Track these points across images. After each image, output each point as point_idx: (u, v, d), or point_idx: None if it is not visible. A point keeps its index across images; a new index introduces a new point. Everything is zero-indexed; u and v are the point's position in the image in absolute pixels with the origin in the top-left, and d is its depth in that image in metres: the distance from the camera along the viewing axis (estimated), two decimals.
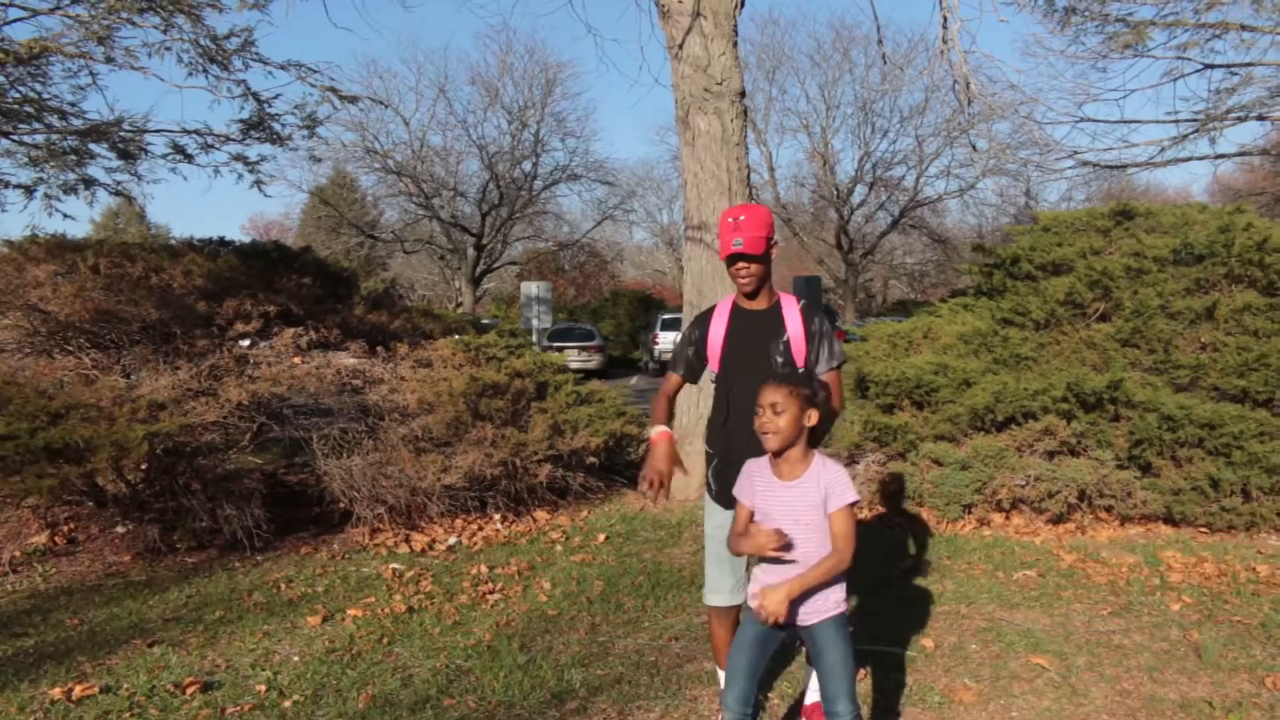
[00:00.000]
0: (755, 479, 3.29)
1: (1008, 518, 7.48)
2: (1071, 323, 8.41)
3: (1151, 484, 7.13)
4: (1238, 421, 6.90)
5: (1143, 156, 18.23)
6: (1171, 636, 5.09)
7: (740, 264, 3.74)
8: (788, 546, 3.12)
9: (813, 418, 3.18)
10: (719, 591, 3.90)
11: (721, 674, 3.93)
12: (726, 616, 3.93)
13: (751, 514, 3.28)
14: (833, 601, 3.18)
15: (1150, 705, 4.22)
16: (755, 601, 3.16)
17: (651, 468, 3.72)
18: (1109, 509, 7.25)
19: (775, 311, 3.88)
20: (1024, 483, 7.28)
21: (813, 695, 3.96)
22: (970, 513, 7.49)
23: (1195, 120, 17.42)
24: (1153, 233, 8.75)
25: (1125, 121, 21.72)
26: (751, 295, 3.85)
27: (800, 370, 3.70)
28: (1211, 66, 16.84)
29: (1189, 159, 18.21)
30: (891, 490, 7.80)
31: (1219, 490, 6.96)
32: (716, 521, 3.88)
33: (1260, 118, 17.34)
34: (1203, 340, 7.77)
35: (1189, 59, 16.79)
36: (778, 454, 3.21)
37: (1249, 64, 16.77)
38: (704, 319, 3.97)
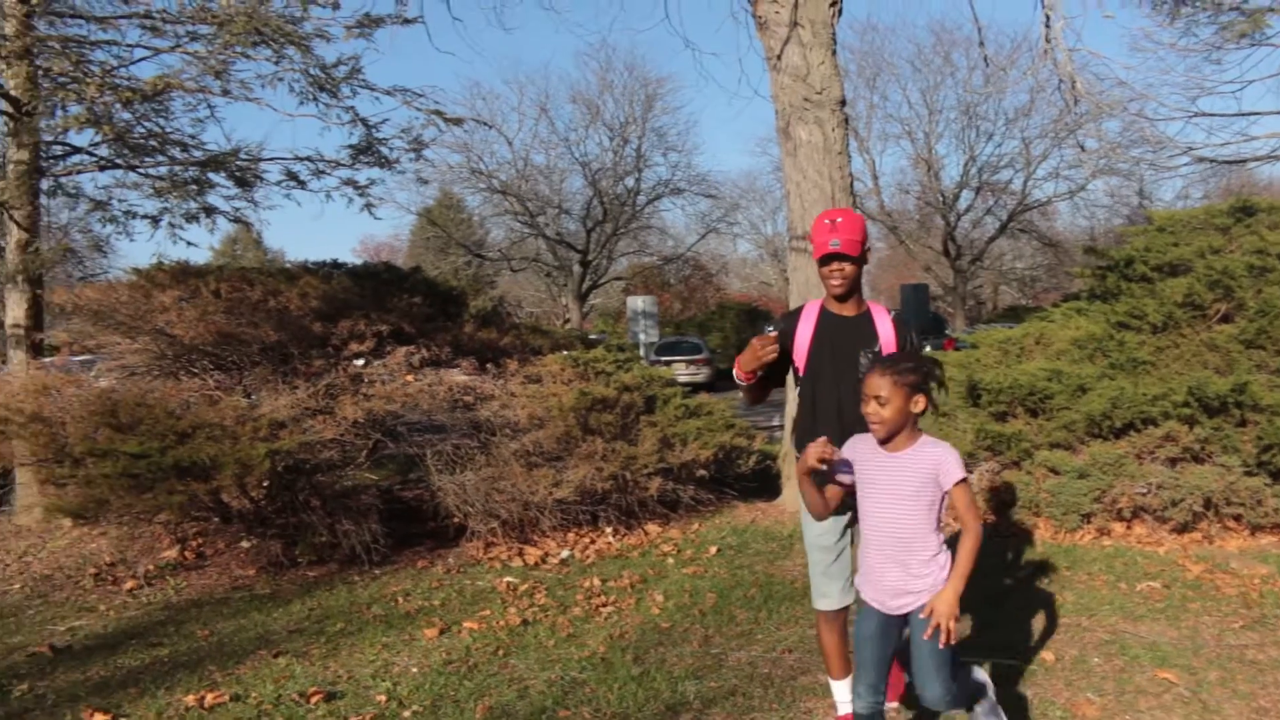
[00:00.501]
0: (859, 448, 3.31)
1: (1129, 527, 7.26)
2: (1191, 325, 8.15)
3: None
4: None
5: (1263, 150, 17.58)
6: None
7: (835, 264, 3.74)
8: (841, 466, 3.23)
9: (920, 404, 3.15)
10: (827, 595, 3.90)
11: (834, 684, 3.94)
12: (836, 620, 3.92)
13: (840, 492, 3.34)
14: (934, 584, 3.16)
15: None
16: (870, 591, 3.21)
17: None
18: (1238, 517, 6.99)
19: (866, 318, 3.87)
20: (1145, 491, 7.07)
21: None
22: (1089, 522, 7.30)
23: None
24: (1276, 229, 8.43)
25: (1243, 114, 21.02)
26: (842, 299, 3.84)
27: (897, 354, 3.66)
28: None
29: None
30: (1006, 500, 7.64)
31: None
32: (818, 529, 3.86)
33: None
34: None
35: None
36: (884, 441, 3.21)
37: None
38: (791, 317, 3.97)
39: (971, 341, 10.00)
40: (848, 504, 3.64)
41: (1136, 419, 7.24)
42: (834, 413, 3.79)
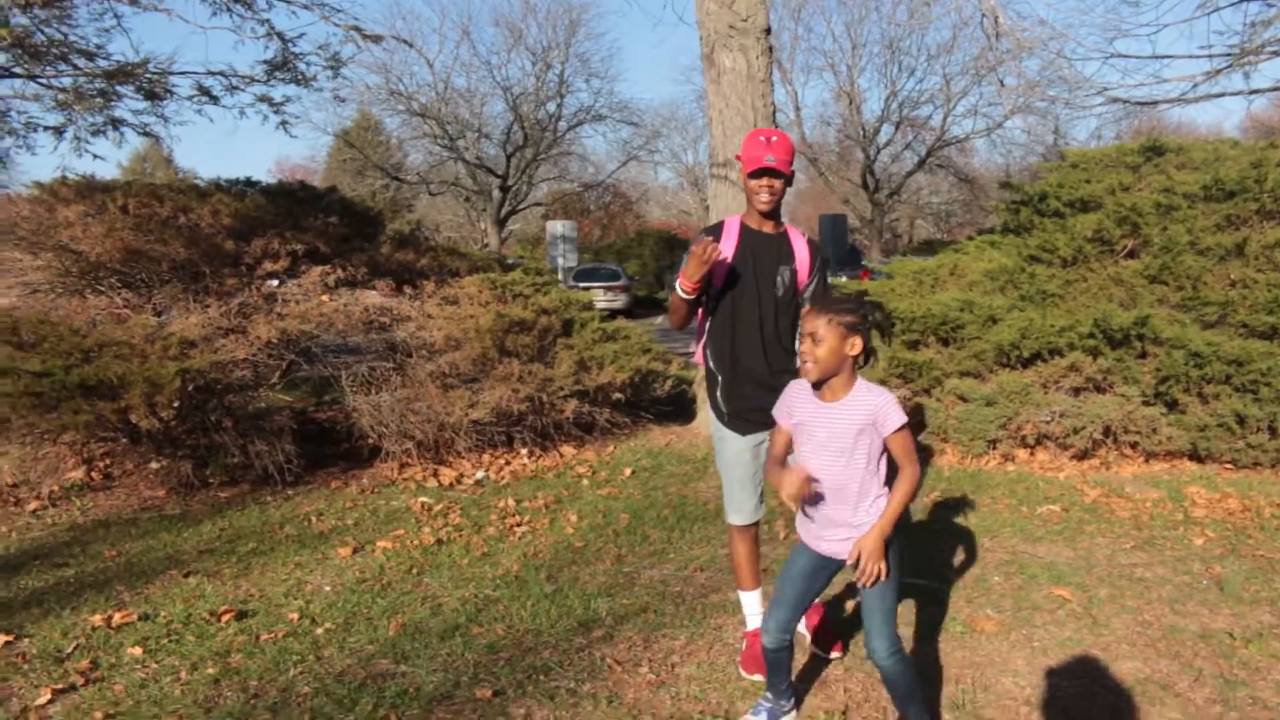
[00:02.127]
0: (795, 401, 3.22)
1: (1032, 453, 7.49)
2: (1099, 260, 8.35)
3: (1177, 420, 7.12)
4: (1265, 358, 6.86)
5: (1175, 92, 17.94)
6: (1194, 570, 5.11)
7: (766, 179, 3.77)
8: (815, 498, 3.11)
9: (856, 346, 3.04)
10: (741, 510, 3.95)
11: (744, 596, 4.02)
12: (748, 534, 4.00)
13: (789, 438, 3.24)
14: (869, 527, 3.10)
15: (1170, 635, 4.26)
16: (810, 530, 3.21)
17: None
18: (1134, 445, 7.25)
19: (784, 239, 3.92)
20: (1049, 419, 7.29)
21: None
22: (995, 448, 7.51)
23: (1229, 55, 17.10)
24: (1183, 169, 8.65)
25: (1157, 57, 21.37)
26: (766, 215, 3.87)
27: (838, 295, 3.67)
28: None
29: (1222, 95, 17.92)
30: (915, 426, 7.81)
31: (1245, 426, 6.94)
32: (736, 448, 3.92)
33: None
34: (1232, 277, 7.70)
35: None
36: (817, 385, 3.12)
37: None
38: (713, 231, 3.92)
39: (887, 271, 10.12)
40: (762, 423, 3.69)
41: (1044, 349, 7.43)
42: (755, 327, 3.83)
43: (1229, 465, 7.13)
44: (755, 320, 3.84)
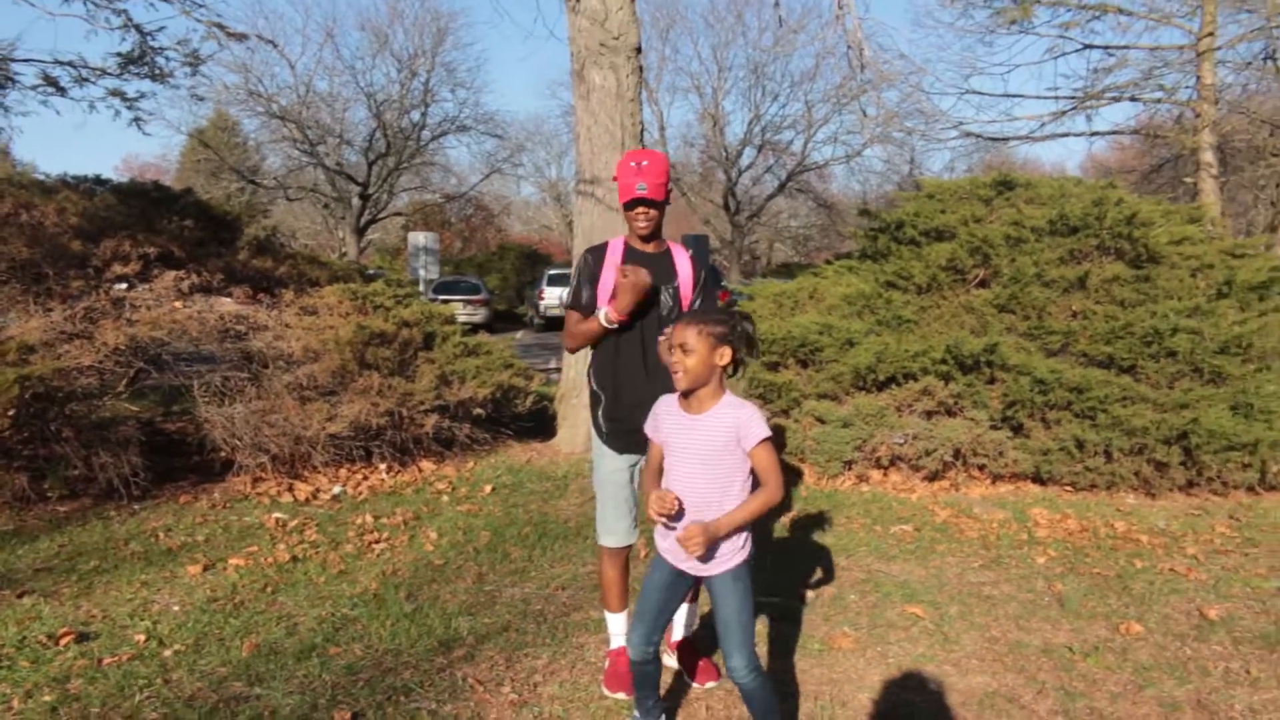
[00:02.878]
0: (662, 415, 3.25)
1: (886, 474, 7.70)
2: (952, 288, 8.65)
3: (1022, 444, 7.41)
4: (1103, 386, 7.20)
5: (1023, 130, 18.83)
6: (1037, 587, 5.33)
7: (641, 209, 3.78)
8: (678, 515, 3.12)
9: (725, 356, 3.10)
10: (614, 533, 3.92)
11: (611, 617, 4.00)
12: (619, 557, 3.96)
13: (661, 452, 3.26)
14: (734, 549, 3.14)
15: (1016, 650, 4.43)
16: (667, 543, 3.21)
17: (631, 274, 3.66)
18: (982, 467, 7.52)
19: (667, 256, 3.93)
20: (902, 441, 7.50)
21: (679, 632, 4.12)
22: (850, 469, 7.69)
23: (1074, 98, 18.07)
24: (1031, 203, 9.03)
25: (1008, 95, 22.43)
26: (647, 239, 3.88)
27: (709, 307, 3.73)
28: (1091, 47, 17.48)
29: (1066, 135, 18.94)
30: (774, 446, 7.94)
31: (1084, 451, 7.27)
32: (611, 466, 3.90)
33: (1133, 99, 18.09)
34: (1074, 308, 8.07)
35: (1070, 38, 17.40)
36: (686, 394, 3.16)
37: (1125, 46, 17.46)
38: (597, 256, 3.91)
39: (748, 293, 10.29)
40: (640, 445, 3.65)
41: (898, 373, 7.66)
42: (638, 347, 3.82)
43: (1069, 487, 7.45)
44: (638, 341, 3.82)
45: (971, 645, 4.50)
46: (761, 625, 4.68)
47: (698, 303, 3.92)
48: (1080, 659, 4.34)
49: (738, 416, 3.09)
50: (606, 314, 3.73)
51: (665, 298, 3.84)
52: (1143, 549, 6.06)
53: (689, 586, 3.33)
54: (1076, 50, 17.44)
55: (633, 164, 3.74)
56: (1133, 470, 7.26)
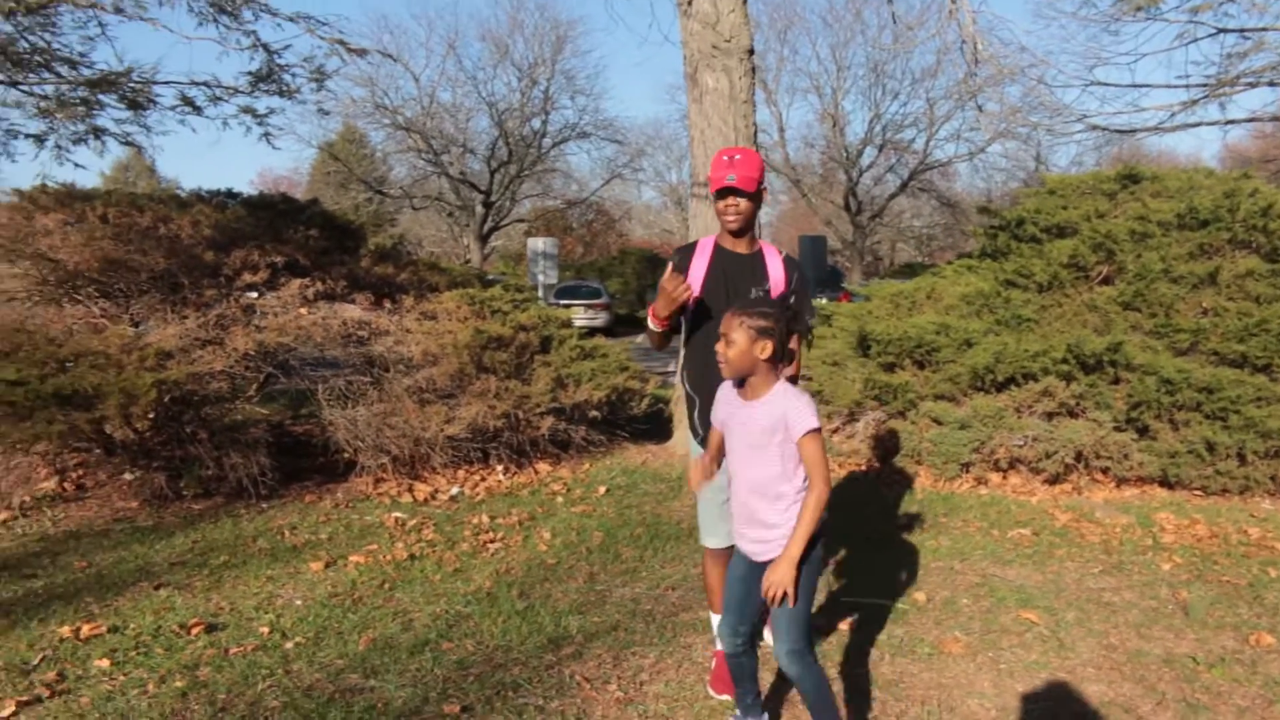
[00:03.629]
0: (721, 397, 3.38)
1: (1005, 477, 7.54)
2: (1074, 285, 8.42)
3: (1148, 447, 7.18)
4: (1235, 386, 6.93)
5: (1153, 121, 18.15)
6: (1161, 595, 5.16)
7: (731, 199, 3.75)
8: (738, 493, 3.22)
9: (766, 349, 3.12)
10: (715, 534, 3.92)
11: (715, 618, 3.99)
12: (720, 559, 3.94)
13: (721, 436, 3.35)
14: (784, 534, 3.13)
15: (1135, 659, 4.30)
16: (748, 546, 3.24)
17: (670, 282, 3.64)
18: (1105, 470, 7.30)
19: (758, 257, 3.90)
20: (1022, 443, 7.34)
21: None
22: (968, 471, 7.56)
23: (1206, 85, 17.35)
24: (1158, 197, 8.74)
25: (1136, 85, 21.66)
26: (737, 234, 3.86)
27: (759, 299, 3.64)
28: (1224, 31, 16.76)
29: (1199, 124, 18.15)
30: (890, 448, 7.87)
31: (1214, 454, 7.01)
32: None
33: (1271, 84, 17.28)
34: (1204, 305, 7.78)
35: (1201, 23, 16.71)
36: (739, 384, 3.26)
37: (1262, 29, 16.70)
38: (686, 252, 3.93)
39: (866, 294, 10.19)
40: None
41: (1018, 374, 7.49)
42: None
43: (1198, 492, 7.19)
44: None
45: (1088, 653, 4.38)
46: (872, 628, 4.64)
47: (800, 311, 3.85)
48: (1204, 670, 4.19)
49: (787, 404, 3.12)
50: (649, 318, 3.80)
51: (755, 298, 3.72)
52: (1278, 557, 5.82)
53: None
54: (1209, 35, 16.74)
55: (725, 158, 3.74)
56: (1269, 474, 6.97)
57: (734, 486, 3.26)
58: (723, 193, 3.75)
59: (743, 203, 3.76)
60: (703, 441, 3.91)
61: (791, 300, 3.81)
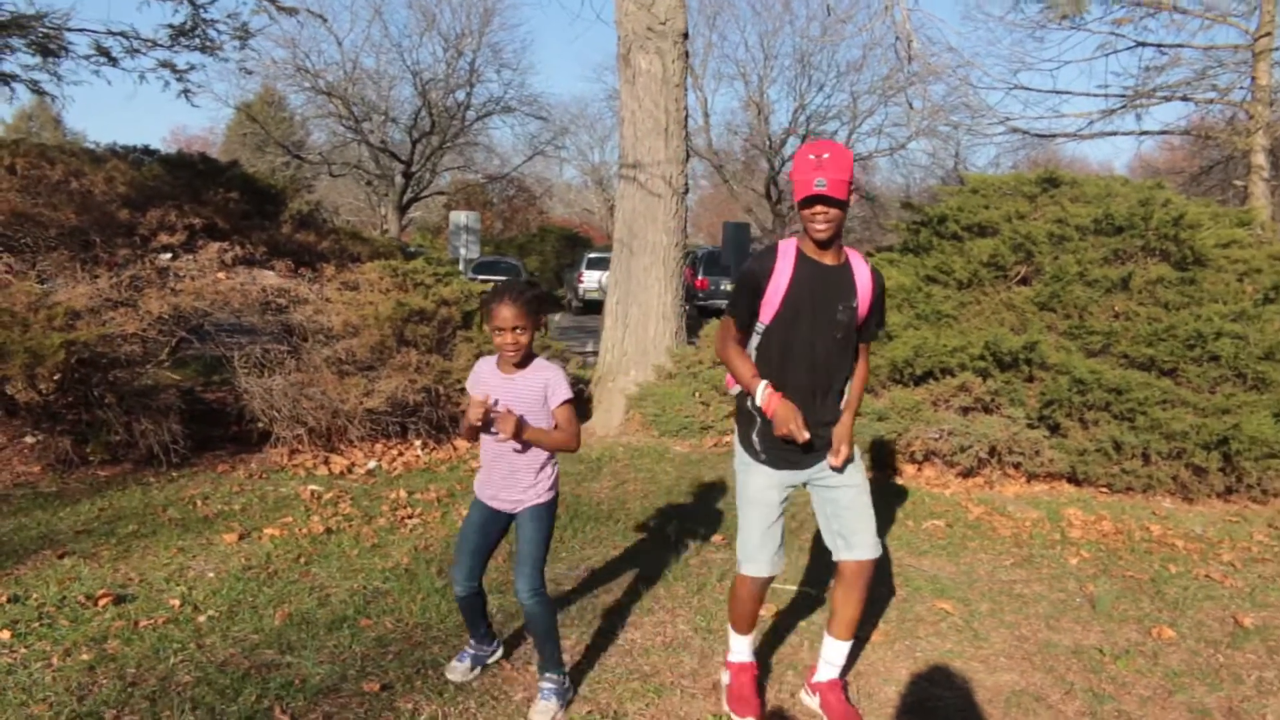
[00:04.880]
0: (484, 376, 3.60)
1: (920, 469, 7.67)
2: (993, 284, 8.58)
3: (1059, 444, 7.35)
4: (1143, 388, 7.13)
5: (1071, 127, 18.60)
6: (1069, 588, 5.29)
7: (819, 207, 3.22)
8: (489, 422, 3.46)
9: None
10: (755, 560, 3.52)
11: (734, 635, 3.73)
12: (758, 589, 3.58)
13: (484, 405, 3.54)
14: (538, 492, 3.59)
15: (1045, 650, 4.40)
16: (501, 505, 3.62)
17: (793, 422, 3.23)
18: (1017, 466, 7.46)
19: (846, 270, 3.41)
20: (938, 436, 7.46)
21: (825, 671, 3.72)
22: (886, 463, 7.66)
23: (1124, 96, 17.80)
24: (1076, 202, 8.94)
25: (1058, 92, 22.20)
26: (824, 245, 3.34)
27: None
28: (1143, 44, 17.22)
29: (1115, 133, 18.67)
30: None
31: (1121, 453, 7.20)
32: (761, 483, 3.51)
33: (1184, 98, 17.81)
34: (1116, 309, 7.98)
35: (1122, 35, 17.15)
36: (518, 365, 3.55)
37: (1178, 45, 17.18)
38: (765, 259, 3.40)
39: None
40: (798, 462, 3.47)
41: (936, 368, 7.62)
42: (805, 365, 3.39)
43: (1104, 489, 7.38)
44: (808, 358, 3.39)
45: (1000, 643, 4.48)
46: (793, 615, 4.69)
47: (874, 323, 3.54)
48: (1110, 661, 4.31)
49: (546, 377, 3.53)
50: (760, 402, 3.35)
51: (842, 315, 3.38)
52: (1178, 554, 6.00)
53: (505, 525, 3.70)
54: (1129, 48, 17.19)
55: (811, 156, 3.20)
56: (1171, 474, 7.18)
57: (489, 449, 3.60)
58: (809, 200, 3.22)
59: (833, 210, 3.24)
60: (765, 460, 3.50)
61: (877, 317, 3.57)
